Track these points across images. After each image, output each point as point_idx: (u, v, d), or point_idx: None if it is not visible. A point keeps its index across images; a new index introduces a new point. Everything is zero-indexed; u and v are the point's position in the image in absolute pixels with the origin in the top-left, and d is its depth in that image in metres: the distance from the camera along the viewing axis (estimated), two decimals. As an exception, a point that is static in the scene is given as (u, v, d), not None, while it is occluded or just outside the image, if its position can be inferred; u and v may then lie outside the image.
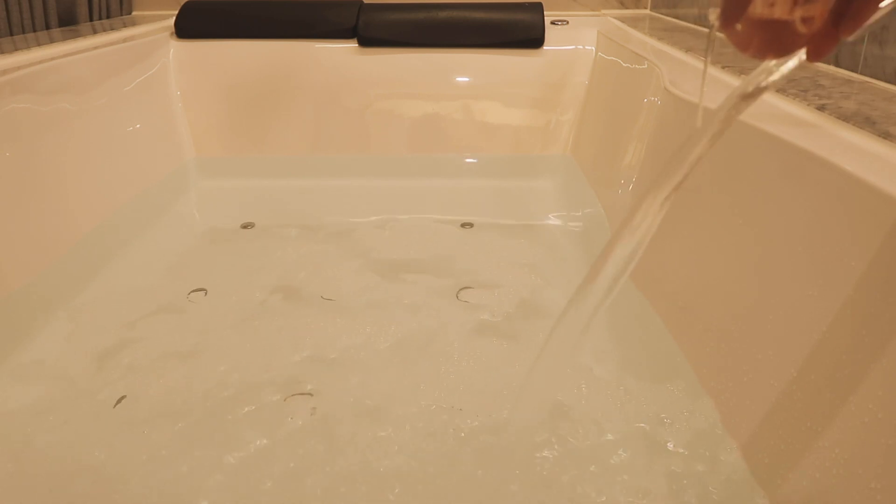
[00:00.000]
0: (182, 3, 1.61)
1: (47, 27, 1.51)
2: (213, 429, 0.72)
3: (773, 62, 0.41)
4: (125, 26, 1.56)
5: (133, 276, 1.07)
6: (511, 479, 0.64)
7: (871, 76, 0.91)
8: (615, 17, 1.72)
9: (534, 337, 0.89)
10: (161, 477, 0.66)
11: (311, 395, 0.78)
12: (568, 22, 1.65)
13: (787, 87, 0.86)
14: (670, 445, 0.68)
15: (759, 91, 0.42)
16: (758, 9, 0.37)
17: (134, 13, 1.84)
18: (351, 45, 1.58)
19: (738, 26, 0.37)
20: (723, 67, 1.03)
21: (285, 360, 0.84)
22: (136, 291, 1.02)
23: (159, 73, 1.52)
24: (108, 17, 1.73)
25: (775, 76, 0.41)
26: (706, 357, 0.77)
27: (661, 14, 1.78)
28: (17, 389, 0.79)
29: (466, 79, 1.59)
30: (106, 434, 0.72)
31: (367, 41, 1.57)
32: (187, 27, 1.57)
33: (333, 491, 0.63)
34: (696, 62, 1.13)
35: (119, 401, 0.77)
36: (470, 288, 1.01)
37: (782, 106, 0.80)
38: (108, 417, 0.74)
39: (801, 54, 0.38)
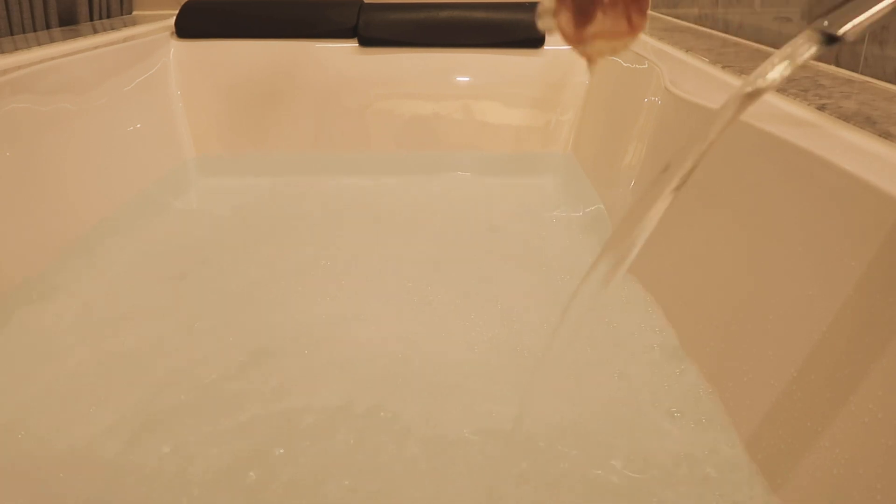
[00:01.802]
0: (182, 3, 1.61)
1: (47, 27, 1.51)
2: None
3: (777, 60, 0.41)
4: (125, 26, 1.56)
5: (135, 270, 1.08)
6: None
7: (872, 76, 0.91)
8: (615, 17, 1.72)
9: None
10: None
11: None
12: (568, 22, 1.64)
13: (787, 86, 0.86)
14: (674, 441, 0.68)
15: (761, 90, 0.42)
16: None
17: (134, 13, 1.84)
18: (351, 44, 1.58)
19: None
20: (723, 67, 1.03)
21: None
22: (139, 284, 1.03)
23: (160, 73, 1.52)
24: (108, 16, 1.73)
25: (776, 75, 0.42)
26: (708, 356, 0.77)
27: (661, 14, 1.78)
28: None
29: (467, 78, 1.59)
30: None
31: (367, 41, 1.57)
32: (188, 27, 1.57)
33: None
34: (696, 62, 1.13)
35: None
36: (473, 279, 1.03)
37: (782, 106, 0.80)
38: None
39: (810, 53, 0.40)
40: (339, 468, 0.66)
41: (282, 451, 0.68)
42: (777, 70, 0.42)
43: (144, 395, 0.78)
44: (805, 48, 0.42)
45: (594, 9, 0.44)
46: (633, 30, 0.44)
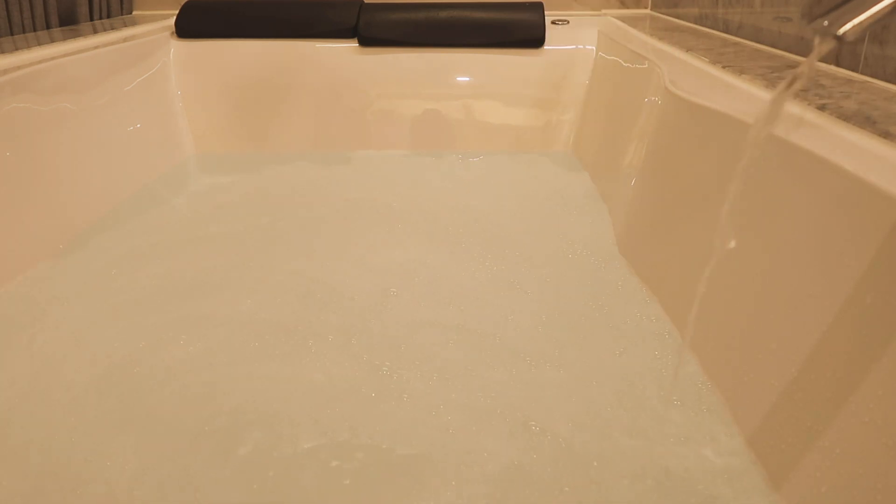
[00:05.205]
0: (182, 3, 1.61)
1: (48, 27, 1.51)
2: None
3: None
4: (126, 26, 1.56)
5: (136, 264, 1.08)
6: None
7: (872, 76, 0.91)
8: (616, 17, 1.72)
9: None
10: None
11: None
12: (569, 21, 1.65)
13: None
14: (678, 439, 0.68)
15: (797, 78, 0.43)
16: None
17: (134, 13, 1.84)
18: (351, 44, 1.58)
19: None
20: (723, 67, 1.03)
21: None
22: (140, 279, 1.04)
23: (160, 73, 1.52)
24: (108, 16, 1.73)
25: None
26: (712, 355, 0.77)
27: (662, 14, 1.78)
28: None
29: (467, 78, 1.59)
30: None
31: (367, 41, 1.57)
32: (188, 27, 1.57)
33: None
34: (696, 62, 1.13)
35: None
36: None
37: (782, 106, 0.80)
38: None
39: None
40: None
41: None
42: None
43: (204, 305, 0.93)
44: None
45: None
46: None
